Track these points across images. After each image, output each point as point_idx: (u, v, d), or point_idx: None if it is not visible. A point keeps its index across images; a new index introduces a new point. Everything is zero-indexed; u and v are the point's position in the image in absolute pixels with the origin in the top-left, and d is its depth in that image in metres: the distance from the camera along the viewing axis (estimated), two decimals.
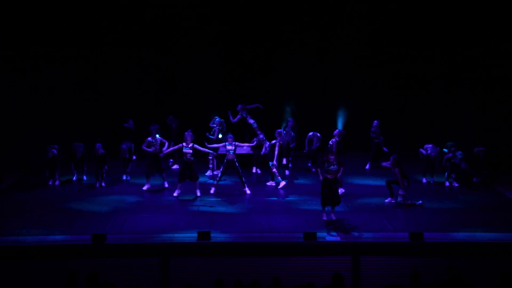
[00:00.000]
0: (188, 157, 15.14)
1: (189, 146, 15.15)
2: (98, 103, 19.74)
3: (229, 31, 19.90)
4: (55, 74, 18.90)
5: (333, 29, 19.74)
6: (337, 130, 16.34)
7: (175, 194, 15.32)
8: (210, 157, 17.18)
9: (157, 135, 16.02)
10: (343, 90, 20.14)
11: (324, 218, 13.47)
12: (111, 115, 19.73)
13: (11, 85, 17.97)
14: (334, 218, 13.51)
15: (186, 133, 15.50)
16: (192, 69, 19.95)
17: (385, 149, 18.16)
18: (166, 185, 16.03)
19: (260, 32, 19.94)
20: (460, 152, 16.07)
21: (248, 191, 15.58)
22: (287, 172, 17.11)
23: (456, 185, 16.24)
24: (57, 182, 16.54)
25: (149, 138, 15.89)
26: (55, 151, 16.36)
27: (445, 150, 16.79)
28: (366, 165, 18.31)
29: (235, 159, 15.54)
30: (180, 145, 15.32)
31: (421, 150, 16.51)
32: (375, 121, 18.27)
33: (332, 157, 13.48)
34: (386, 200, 14.72)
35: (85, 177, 16.92)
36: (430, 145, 16.45)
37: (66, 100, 19.23)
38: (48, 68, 18.76)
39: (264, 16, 19.79)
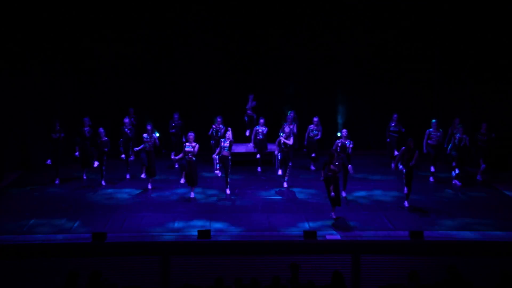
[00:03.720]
0: (190, 156, 15.12)
1: (192, 145, 15.15)
2: (98, 101, 19.73)
3: (230, 26, 19.88)
4: (54, 71, 18.90)
5: (333, 25, 19.74)
6: (344, 130, 15.58)
7: (191, 196, 15.28)
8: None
9: (155, 133, 16.06)
10: (342, 88, 20.13)
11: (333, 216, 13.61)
12: (110, 111, 19.71)
13: (10, 83, 17.95)
14: (333, 217, 13.54)
15: (190, 133, 15.43)
16: (192, 65, 19.94)
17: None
18: (149, 186, 16.04)
19: (261, 27, 19.93)
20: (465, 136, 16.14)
21: (228, 192, 15.52)
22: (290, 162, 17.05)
23: (459, 184, 16.23)
24: (57, 181, 16.55)
25: (145, 135, 15.96)
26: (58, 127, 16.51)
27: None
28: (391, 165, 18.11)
29: (229, 157, 15.46)
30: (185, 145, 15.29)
31: (425, 143, 16.53)
32: (395, 115, 17.96)
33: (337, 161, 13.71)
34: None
35: (84, 176, 16.90)
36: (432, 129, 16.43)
37: (65, 97, 19.22)
38: (48, 65, 18.75)
39: (265, 11, 19.79)
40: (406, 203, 14.37)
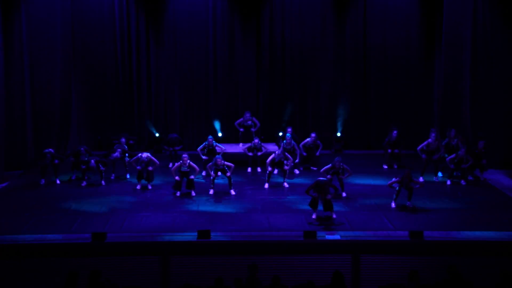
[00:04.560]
0: (184, 169, 15.27)
1: (186, 165, 15.20)
2: (97, 101, 19.74)
3: (228, 29, 19.88)
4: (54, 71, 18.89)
5: (331, 24, 19.73)
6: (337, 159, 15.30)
7: (177, 194, 15.35)
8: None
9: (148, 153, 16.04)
10: (339, 86, 20.11)
11: (313, 216, 13.58)
12: (110, 112, 19.72)
13: (10, 83, 17.94)
14: (334, 216, 13.54)
15: (184, 155, 15.43)
16: (190, 68, 19.95)
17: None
18: (149, 187, 16.03)
19: (259, 30, 19.93)
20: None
21: (233, 192, 15.52)
22: (286, 167, 17.08)
23: (464, 183, 16.25)
24: (57, 181, 16.55)
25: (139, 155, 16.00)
26: (49, 156, 16.31)
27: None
28: (383, 166, 18.03)
29: (225, 163, 15.45)
30: (178, 164, 15.38)
31: (420, 148, 16.55)
32: (395, 132, 17.72)
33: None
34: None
35: (85, 176, 16.88)
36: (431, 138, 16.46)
37: (65, 97, 19.21)
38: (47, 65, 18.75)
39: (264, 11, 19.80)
40: (408, 203, 14.33)
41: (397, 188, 14.30)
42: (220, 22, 19.67)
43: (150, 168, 15.76)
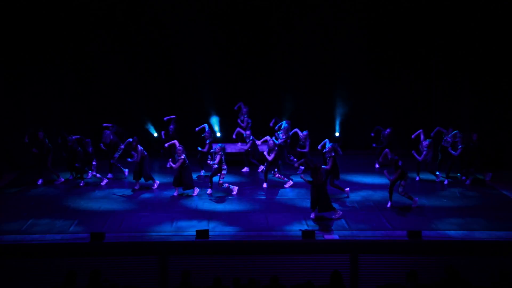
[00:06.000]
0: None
1: (181, 158, 15.21)
2: (95, 102, 19.75)
3: (227, 29, 19.88)
4: (52, 73, 18.89)
5: (330, 24, 19.75)
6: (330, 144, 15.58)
7: (175, 194, 15.36)
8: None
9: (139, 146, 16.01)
10: (339, 87, 20.14)
11: (312, 216, 13.61)
12: (108, 112, 19.72)
13: (8, 84, 17.94)
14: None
15: (178, 147, 15.48)
16: (188, 68, 19.96)
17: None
18: (155, 186, 16.05)
19: (257, 30, 19.94)
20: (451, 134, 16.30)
21: (234, 192, 15.54)
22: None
23: (468, 182, 16.30)
24: (57, 181, 16.55)
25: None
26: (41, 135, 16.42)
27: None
28: (375, 164, 18.14)
29: (219, 166, 15.45)
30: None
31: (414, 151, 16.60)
32: (388, 130, 17.87)
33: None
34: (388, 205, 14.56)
35: (89, 175, 16.91)
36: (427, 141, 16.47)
37: (63, 98, 19.22)
38: (45, 67, 18.74)
39: (262, 13, 19.79)
40: (414, 203, 14.34)
41: (390, 181, 14.34)
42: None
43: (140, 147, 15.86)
